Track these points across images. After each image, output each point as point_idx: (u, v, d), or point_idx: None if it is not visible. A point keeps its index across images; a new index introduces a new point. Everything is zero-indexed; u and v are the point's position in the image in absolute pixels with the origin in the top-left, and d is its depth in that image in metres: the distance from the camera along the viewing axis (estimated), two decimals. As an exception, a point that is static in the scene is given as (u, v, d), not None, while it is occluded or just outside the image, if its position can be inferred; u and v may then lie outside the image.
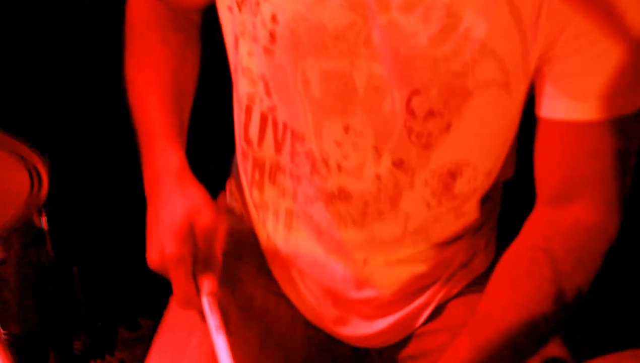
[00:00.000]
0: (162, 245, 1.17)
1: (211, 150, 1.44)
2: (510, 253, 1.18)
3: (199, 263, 1.18)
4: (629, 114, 1.09)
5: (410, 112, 1.14)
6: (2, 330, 1.37)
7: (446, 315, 1.35)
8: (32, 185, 1.50)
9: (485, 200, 1.29)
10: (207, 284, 1.18)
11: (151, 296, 1.80)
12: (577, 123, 1.10)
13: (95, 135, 1.97)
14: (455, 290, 1.35)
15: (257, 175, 1.30)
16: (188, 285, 1.17)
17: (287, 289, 1.37)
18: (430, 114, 1.14)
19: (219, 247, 1.20)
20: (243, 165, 1.33)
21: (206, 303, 1.17)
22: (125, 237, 1.78)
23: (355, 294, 1.31)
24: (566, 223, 1.15)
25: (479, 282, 1.29)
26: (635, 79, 1.09)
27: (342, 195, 1.24)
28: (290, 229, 1.32)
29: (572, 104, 1.10)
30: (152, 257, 1.18)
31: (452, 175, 1.21)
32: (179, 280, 1.16)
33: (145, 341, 1.93)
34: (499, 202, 1.36)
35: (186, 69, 1.35)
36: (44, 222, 1.52)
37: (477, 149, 1.20)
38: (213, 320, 1.16)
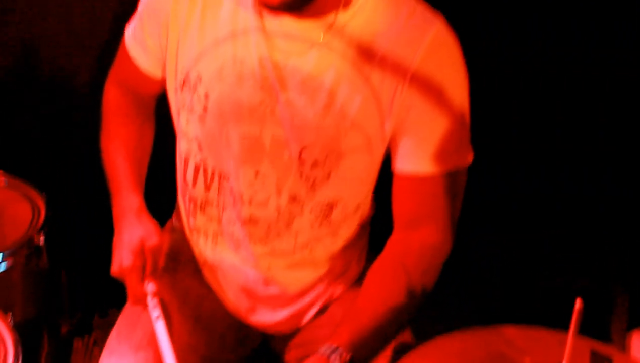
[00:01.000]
0: (122, 259, 1.36)
1: (164, 190, 1.57)
2: (376, 264, 1.34)
3: (146, 273, 1.37)
4: (458, 168, 1.30)
5: (302, 161, 1.32)
6: (10, 317, 1.48)
7: (328, 313, 1.50)
8: (33, 215, 1.76)
9: (358, 228, 1.46)
10: (151, 287, 1.37)
11: (118, 293, 1.80)
12: (420, 175, 1.29)
13: (82, 178, 2.12)
14: (335, 293, 1.51)
15: (191, 207, 1.46)
16: (138, 288, 1.36)
17: (213, 286, 1.53)
18: (315, 164, 1.32)
19: (161, 262, 1.39)
20: (182, 200, 1.49)
21: (150, 300, 1.36)
22: (100, 252, 1.85)
23: (262, 291, 1.48)
24: (415, 243, 1.32)
25: (353, 288, 1.47)
26: (460, 144, 1.29)
27: (253, 220, 1.40)
28: (216, 245, 1.47)
29: (416, 163, 1.29)
30: (114, 267, 1.38)
31: (330, 206, 1.38)
32: (131, 284, 1.36)
33: (113, 325, 2.00)
34: (367, 228, 1.53)
35: (145, 139, 1.56)
36: (42, 240, 1.71)
37: (348, 189, 1.38)
38: (155, 312, 1.34)
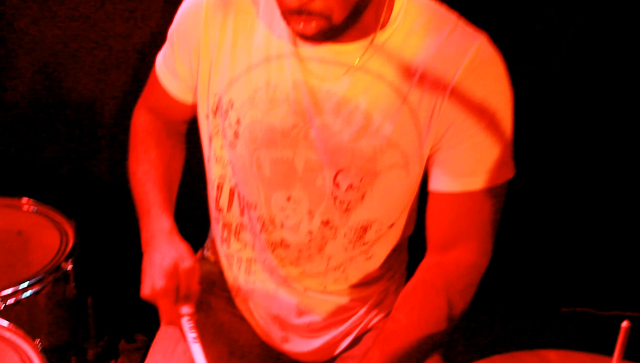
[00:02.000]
0: (154, 282, 1.31)
1: (195, 219, 1.58)
2: (408, 287, 1.31)
3: (180, 295, 1.32)
4: (497, 184, 1.27)
5: (336, 185, 1.31)
6: (38, 341, 1.43)
7: (363, 343, 1.48)
8: (61, 241, 1.77)
9: (395, 252, 1.43)
10: (185, 309, 1.33)
11: (144, 318, 1.90)
12: (457, 193, 1.27)
13: (109, 205, 2.15)
14: (371, 323, 1.49)
15: (225, 234, 1.45)
16: (172, 311, 1.31)
17: (246, 316, 1.53)
18: (350, 187, 1.31)
19: (195, 284, 1.34)
20: (215, 228, 1.49)
21: (185, 323, 1.32)
22: (127, 278, 1.90)
23: (296, 320, 1.47)
24: (450, 264, 1.30)
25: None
26: (501, 161, 1.27)
27: (283, 244, 1.40)
28: (249, 273, 1.47)
29: (454, 180, 1.27)
30: (145, 290, 1.32)
31: (364, 228, 1.36)
32: (164, 307, 1.31)
33: (140, 350, 2.14)
34: (406, 255, 1.51)
35: (174, 163, 1.53)
36: (69, 266, 1.72)
37: (383, 210, 1.35)
38: (190, 334, 1.30)
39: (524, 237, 2.08)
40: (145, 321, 1.90)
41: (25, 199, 1.93)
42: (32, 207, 1.92)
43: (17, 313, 1.63)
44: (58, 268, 1.73)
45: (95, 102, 2.06)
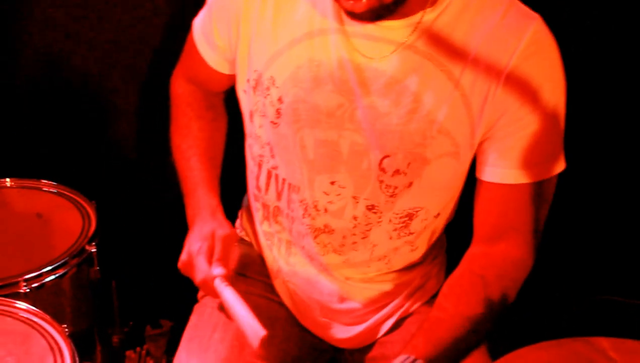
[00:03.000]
0: (190, 246, 1.32)
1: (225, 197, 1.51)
2: (455, 276, 1.31)
3: (215, 258, 1.30)
4: (547, 178, 1.26)
5: (382, 169, 1.27)
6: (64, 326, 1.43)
7: (404, 328, 1.46)
8: (83, 224, 1.75)
9: (436, 238, 1.43)
10: (219, 269, 1.30)
11: (170, 303, 2.01)
12: (508, 185, 1.25)
13: (131, 186, 2.14)
14: (412, 307, 1.47)
15: (265, 213, 1.44)
16: (205, 269, 1.29)
17: (285, 300, 1.50)
18: (397, 172, 1.27)
19: (231, 251, 1.34)
20: (255, 205, 1.46)
21: (219, 281, 1.29)
22: (151, 261, 2.05)
23: (337, 305, 1.45)
24: (497, 256, 1.28)
25: (431, 303, 1.38)
26: (553, 151, 1.25)
27: (327, 230, 1.37)
28: (290, 254, 1.44)
29: (505, 172, 1.25)
30: (182, 257, 1.33)
31: (410, 216, 1.34)
32: (198, 266, 1.29)
33: (165, 336, 2.11)
34: (444, 238, 1.51)
35: (217, 136, 1.52)
36: (93, 249, 1.69)
37: (430, 198, 1.33)
38: (227, 289, 1.26)
39: (559, 225, 2.03)
40: (172, 306, 1.97)
41: (44, 181, 1.90)
42: (52, 189, 1.89)
43: (41, 298, 1.60)
44: (82, 250, 1.69)
45: (114, 81, 2.05)
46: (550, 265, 1.96)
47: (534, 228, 1.28)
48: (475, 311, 1.25)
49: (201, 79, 1.49)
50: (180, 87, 1.52)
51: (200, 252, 1.30)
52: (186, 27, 1.48)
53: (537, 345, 1.10)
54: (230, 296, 1.25)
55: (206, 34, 1.42)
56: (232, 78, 1.42)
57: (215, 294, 1.30)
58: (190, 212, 1.41)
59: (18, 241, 1.74)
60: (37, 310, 1.46)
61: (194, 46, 1.45)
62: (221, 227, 1.34)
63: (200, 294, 1.54)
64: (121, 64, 2.04)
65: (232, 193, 1.57)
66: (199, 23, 1.44)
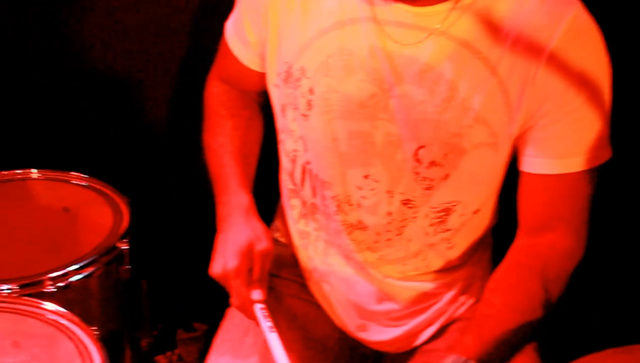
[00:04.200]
0: (226, 260, 1.29)
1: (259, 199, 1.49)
2: (501, 269, 1.28)
3: (252, 278, 1.30)
4: (596, 166, 1.23)
5: (418, 160, 1.25)
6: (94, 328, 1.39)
7: (448, 335, 1.43)
8: (115, 220, 1.69)
9: (478, 238, 1.39)
10: (258, 294, 1.29)
11: (204, 305, 1.92)
12: (554, 175, 1.23)
13: (166, 182, 2.11)
14: (456, 313, 1.43)
15: (303, 210, 1.42)
16: (244, 294, 1.28)
17: (321, 301, 1.47)
18: (433, 163, 1.25)
19: (268, 267, 1.32)
20: (291, 202, 1.44)
21: (258, 309, 1.28)
22: (185, 260, 1.99)
23: (375, 307, 1.41)
24: (544, 247, 1.26)
25: (476, 308, 1.36)
26: (599, 139, 1.22)
27: (361, 226, 1.35)
28: (327, 254, 1.42)
29: (553, 162, 1.22)
30: (216, 268, 1.30)
31: (447, 211, 1.31)
32: (236, 289, 1.28)
33: (199, 341, 2.08)
34: (491, 238, 1.46)
35: (251, 135, 1.50)
36: (125, 246, 1.63)
37: (468, 192, 1.30)
38: (266, 323, 1.26)
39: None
40: (206, 308, 1.89)
41: (74, 173, 1.84)
42: (82, 182, 1.82)
43: (68, 298, 1.52)
44: (113, 247, 1.63)
45: (149, 72, 2.03)
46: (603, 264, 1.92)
47: (581, 217, 1.26)
48: (524, 303, 1.23)
49: (236, 78, 1.48)
50: (214, 87, 1.53)
51: (238, 275, 1.28)
52: (220, 19, 1.47)
53: (604, 352, 1.05)
54: (273, 340, 1.24)
55: (238, 31, 1.42)
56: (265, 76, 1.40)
57: (252, 317, 1.30)
58: (221, 210, 1.39)
59: (43, 236, 1.67)
60: (65, 311, 1.40)
61: (227, 47, 1.45)
62: (258, 238, 1.32)
63: None
64: (157, 54, 2.02)
65: (268, 196, 1.53)
66: (231, 23, 1.45)
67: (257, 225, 1.34)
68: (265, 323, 1.26)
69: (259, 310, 1.28)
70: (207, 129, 1.50)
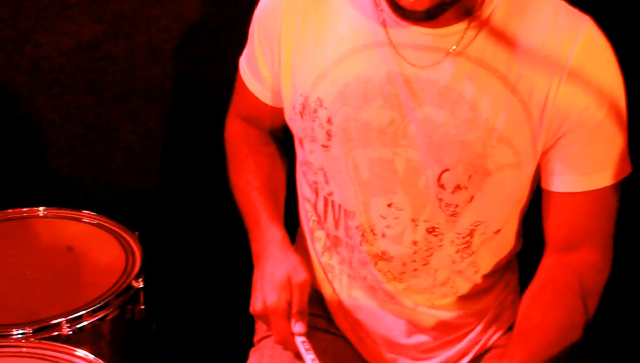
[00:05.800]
0: (265, 295, 1.27)
1: None
2: (535, 287, 1.27)
3: (293, 311, 1.27)
4: (620, 180, 1.24)
5: (441, 186, 1.24)
6: None
7: None
8: (127, 258, 1.64)
9: (502, 261, 1.38)
10: (299, 326, 1.27)
11: (216, 348, 1.90)
12: (579, 193, 1.23)
13: (174, 219, 2.07)
14: (489, 342, 1.42)
15: (328, 243, 1.40)
16: (285, 327, 1.26)
17: (349, 335, 1.45)
18: (457, 187, 1.24)
19: (307, 299, 1.29)
20: (315, 234, 1.42)
21: (300, 342, 1.26)
22: (195, 300, 1.95)
23: (405, 340, 1.40)
24: (575, 263, 1.26)
25: (510, 334, 1.33)
26: (621, 153, 1.22)
27: (385, 257, 1.33)
28: (351, 288, 1.41)
29: (579, 179, 1.23)
30: (256, 305, 1.28)
31: (471, 233, 1.30)
32: (277, 323, 1.26)
33: None
34: (516, 264, 1.46)
35: (276, 170, 1.48)
36: (140, 284, 1.58)
37: (491, 212, 1.29)
38: (309, 356, 1.24)
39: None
40: (218, 350, 1.87)
41: (85, 211, 1.79)
42: (91, 220, 1.77)
43: (80, 340, 1.47)
44: (129, 287, 1.58)
45: (159, 112, 2.00)
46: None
47: (607, 232, 1.27)
48: (564, 318, 1.24)
49: (254, 115, 1.47)
50: (234, 126, 1.52)
51: (278, 310, 1.26)
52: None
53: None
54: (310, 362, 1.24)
55: (252, 66, 1.41)
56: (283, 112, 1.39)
57: (294, 348, 1.28)
58: (255, 246, 1.37)
59: (49, 277, 1.61)
60: (95, 358, 1.34)
61: (243, 84, 1.45)
62: (296, 271, 1.29)
63: (257, 337, 1.48)
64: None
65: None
66: (244, 59, 1.44)
67: (293, 257, 1.32)
68: (308, 356, 1.24)
69: (301, 343, 1.26)
70: (231, 169, 1.49)
